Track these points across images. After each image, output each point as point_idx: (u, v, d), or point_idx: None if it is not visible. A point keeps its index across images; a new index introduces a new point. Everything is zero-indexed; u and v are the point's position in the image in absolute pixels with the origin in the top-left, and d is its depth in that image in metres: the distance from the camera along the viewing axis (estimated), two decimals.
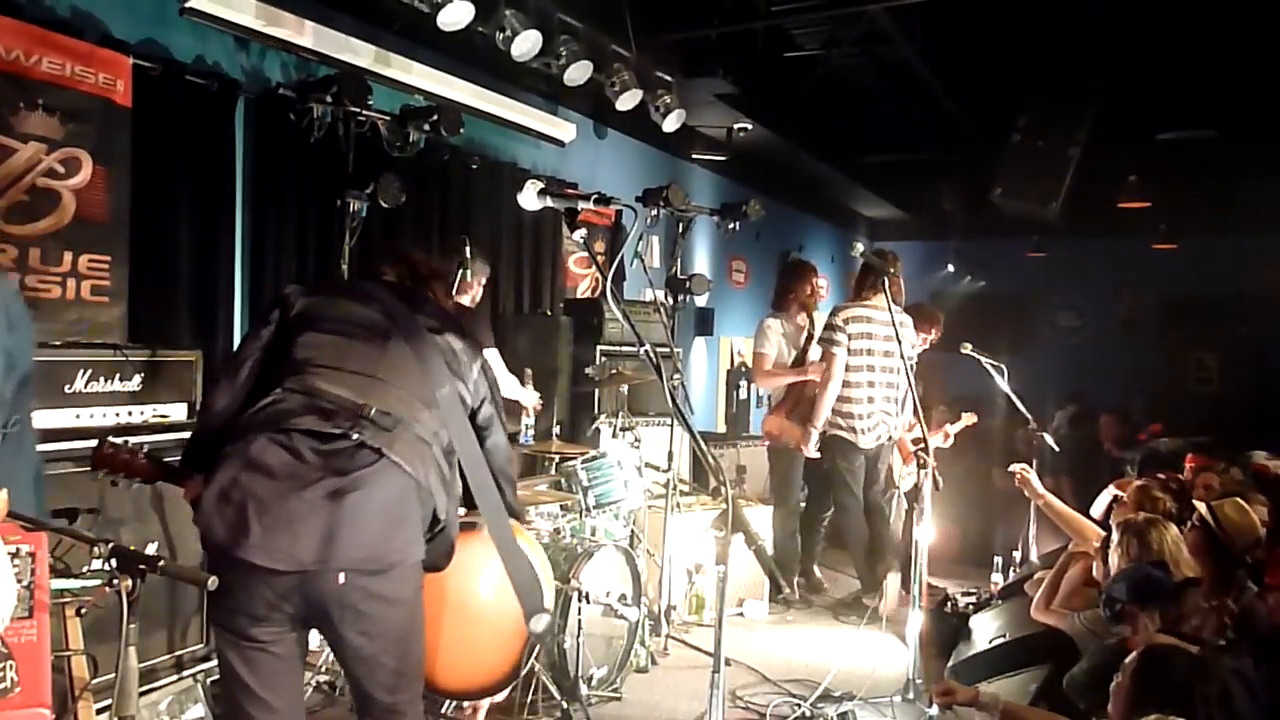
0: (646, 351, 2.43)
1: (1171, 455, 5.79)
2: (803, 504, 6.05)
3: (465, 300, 4.81)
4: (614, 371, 5.32)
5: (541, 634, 2.47)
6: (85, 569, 2.62)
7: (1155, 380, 10.34)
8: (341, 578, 2.11)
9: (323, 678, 3.80)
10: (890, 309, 4.42)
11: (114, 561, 1.86)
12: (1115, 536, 3.06)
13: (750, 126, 7.56)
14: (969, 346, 5.73)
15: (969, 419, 6.14)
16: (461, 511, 2.44)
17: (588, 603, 3.83)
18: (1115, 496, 4.55)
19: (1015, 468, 4.64)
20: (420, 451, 2.23)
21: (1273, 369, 9.68)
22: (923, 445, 4.14)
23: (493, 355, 4.95)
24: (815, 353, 5.71)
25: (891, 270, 4.41)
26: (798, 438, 5.53)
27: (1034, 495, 4.53)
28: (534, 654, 2.63)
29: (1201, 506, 3.21)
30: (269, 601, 2.11)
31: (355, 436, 2.15)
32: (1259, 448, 5.22)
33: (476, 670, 3.00)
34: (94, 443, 2.49)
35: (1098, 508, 4.66)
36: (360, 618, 2.17)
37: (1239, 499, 3.24)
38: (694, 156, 8.28)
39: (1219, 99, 7.79)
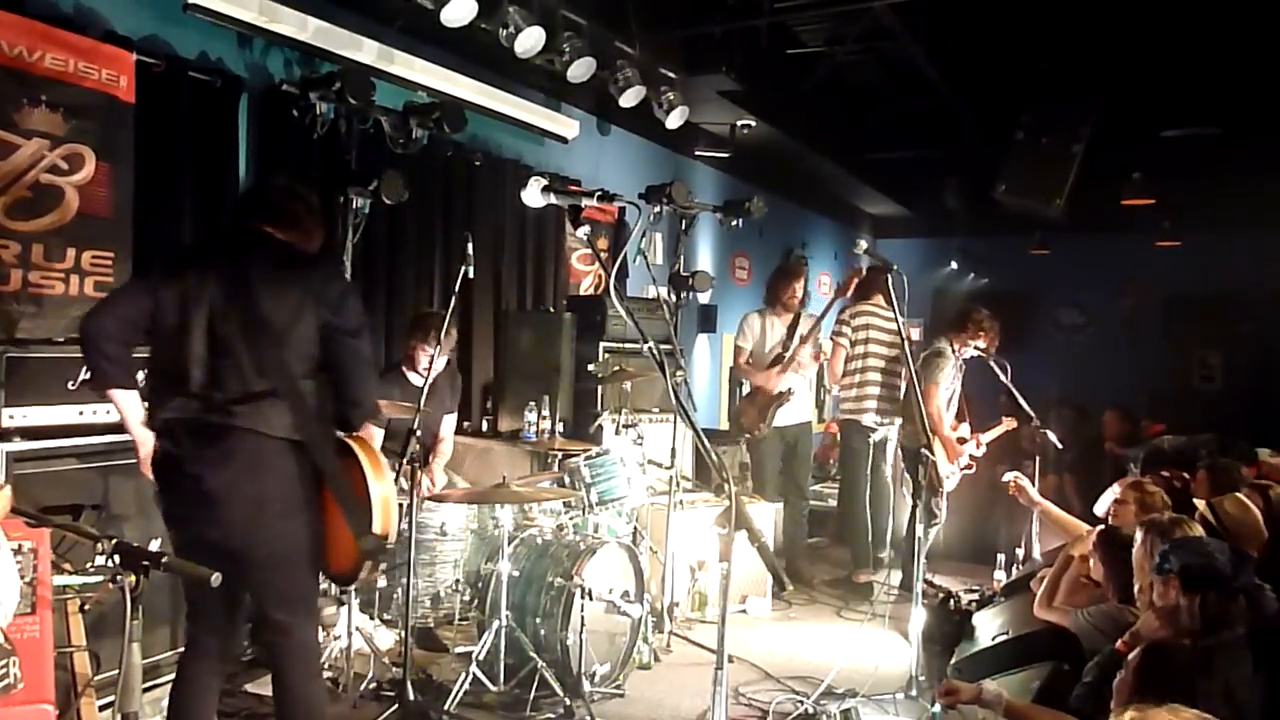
0: (650, 348, 2.43)
1: (1175, 453, 5.77)
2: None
3: (415, 373, 4.64)
4: (617, 368, 5.31)
5: (370, 550, 2.75)
6: (89, 565, 2.62)
7: (1158, 378, 10.32)
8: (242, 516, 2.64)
9: (324, 674, 3.80)
10: (895, 310, 4.40)
11: (118, 558, 1.86)
12: (1139, 536, 3.04)
13: (753, 123, 7.55)
14: (972, 344, 5.78)
15: (1008, 424, 6.08)
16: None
17: (590, 599, 3.83)
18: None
19: (1009, 477, 4.65)
20: (279, 410, 2.66)
21: (1276, 367, 9.66)
22: (927, 444, 4.13)
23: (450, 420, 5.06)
24: (805, 352, 5.96)
25: (894, 268, 4.39)
26: (753, 421, 5.98)
27: (1030, 503, 4.53)
28: (373, 566, 2.84)
29: (1201, 504, 3.20)
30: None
31: (227, 422, 2.60)
32: (1262, 446, 5.22)
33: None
34: (96, 439, 2.55)
35: (1101, 506, 4.66)
36: (259, 542, 2.67)
37: (1239, 495, 3.23)
38: (697, 153, 8.27)
39: (1224, 96, 7.77)
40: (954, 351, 5.79)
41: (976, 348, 5.81)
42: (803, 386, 6.10)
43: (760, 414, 5.93)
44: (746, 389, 6.35)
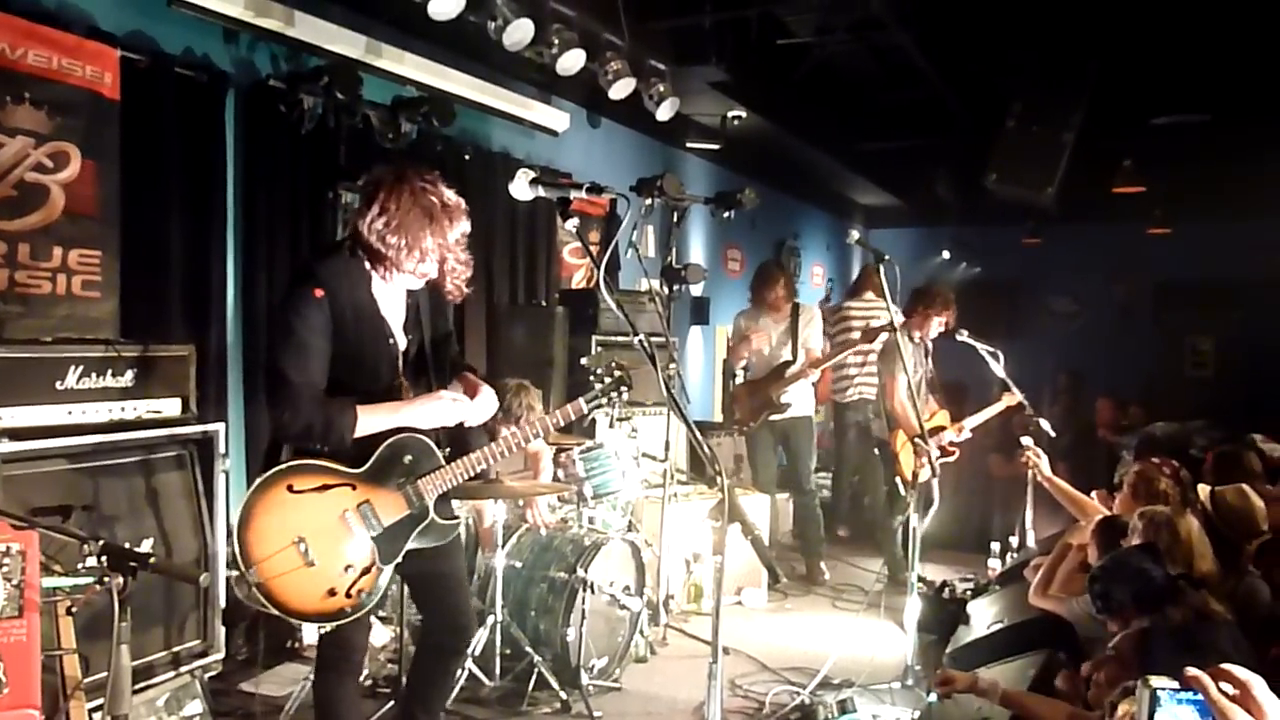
0: (640, 340, 2.41)
1: (1168, 439, 5.77)
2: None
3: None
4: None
5: None
6: (80, 567, 2.60)
7: (1151, 365, 10.35)
8: None
9: None
10: (886, 299, 4.37)
11: (105, 559, 1.84)
12: (1136, 526, 3.03)
13: (744, 114, 7.52)
14: (965, 333, 5.74)
15: (1008, 399, 5.81)
16: None
17: (593, 593, 3.82)
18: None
19: (1027, 442, 4.62)
20: None
21: (1267, 353, 9.69)
22: (920, 434, 4.12)
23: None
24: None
25: (886, 258, 4.37)
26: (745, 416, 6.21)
27: (1045, 480, 4.50)
28: None
29: (1203, 492, 3.19)
30: None
31: None
32: (1254, 431, 5.22)
33: None
34: (86, 439, 2.45)
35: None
36: None
37: (1243, 486, 3.21)
38: (688, 145, 8.24)
39: (1213, 83, 7.76)
40: (913, 337, 5.73)
41: (938, 325, 5.75)
42: (803, 382, 6.06)
43: (754, 413, 6.03)
44: (741, 378, 6.39)
